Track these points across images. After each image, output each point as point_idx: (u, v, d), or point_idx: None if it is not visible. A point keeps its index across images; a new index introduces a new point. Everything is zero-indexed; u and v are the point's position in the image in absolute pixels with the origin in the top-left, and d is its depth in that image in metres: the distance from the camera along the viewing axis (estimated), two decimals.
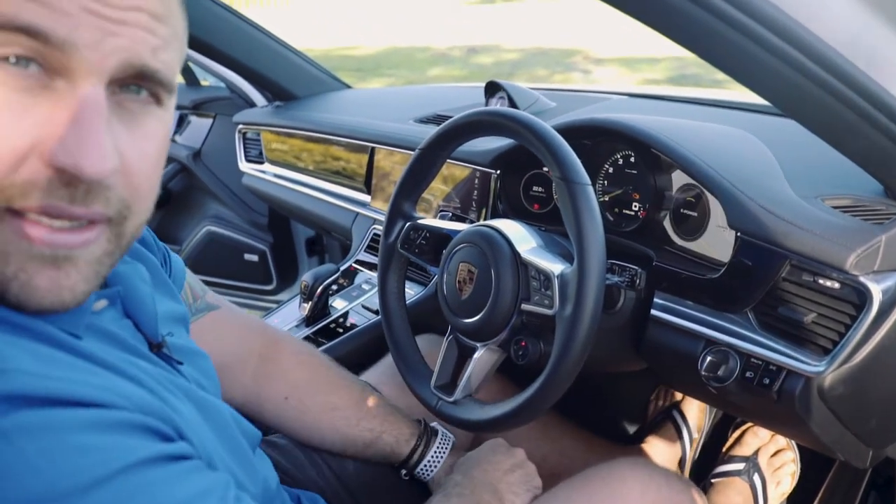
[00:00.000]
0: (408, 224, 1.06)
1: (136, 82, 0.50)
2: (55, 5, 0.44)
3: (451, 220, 1.10)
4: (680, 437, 1.42)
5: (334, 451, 1.00)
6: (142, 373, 0.55)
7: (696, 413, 1.46)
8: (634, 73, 7.54)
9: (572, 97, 1.57)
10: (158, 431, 0.50)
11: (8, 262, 0.46)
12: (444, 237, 1.02)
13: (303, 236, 2.23)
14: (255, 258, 2.18)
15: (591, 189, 0.83)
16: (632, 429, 1.51)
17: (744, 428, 1.37)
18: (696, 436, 1.44)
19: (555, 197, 1.20)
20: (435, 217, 1.33)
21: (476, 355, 0.95)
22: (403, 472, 1.00)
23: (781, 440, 1.32)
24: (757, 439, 1.33)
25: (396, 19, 11.21)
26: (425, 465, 0.99)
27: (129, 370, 0.54)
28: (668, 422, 1.45)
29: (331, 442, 0.99)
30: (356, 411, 0.99)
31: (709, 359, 0.91)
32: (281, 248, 2.19)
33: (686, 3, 0.61)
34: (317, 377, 1.02)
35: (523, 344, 0.92)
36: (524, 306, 0.90)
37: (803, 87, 0.65)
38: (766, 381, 0.86)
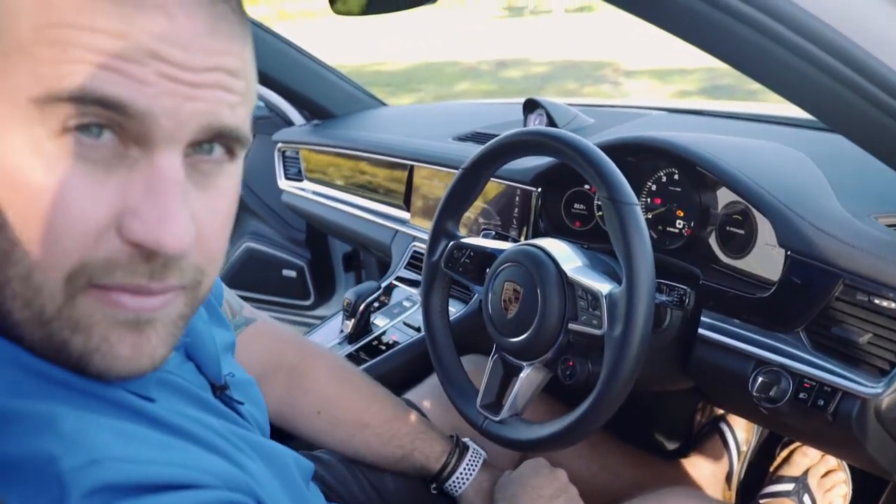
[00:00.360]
0: (451, 243, 1.06)
1: (211, 140, 0.47)
2: (133, 74, 0.42)
3: (494, 238, 1.11)
4: (727, 449, 1.40)
5: (365, 464, 1.01)
6: (215, 435, 0.54)
7: (744, 425, 1.43)
8: (666, 84, 7.50)
9: (610, 113, 1.57)
10: None
11: (91, 333, 0.45)
12: (488, 256, 1.03)
13: (340, 252, 2.25)
14: (293, 274, 2.21)
15: (639, 209, 0.83)
16: (677, 442, 1.49)
17: (792, 447, 1.34)
18: (743, 449, 1.42)
19: (597, 214, 1.20)
20: (476, 235, 1.34)
21: (522, 374, 0.95)
22: (433, 486, 1.00)
23: (832, 460, 1.29)
24: (806, 459, 1.31)
25: (425, 34, 11.29)
26: (455, 481, 0.99)
27: (206, 436, 0.52)
28: (714, 434, 1.43)
29: (362, 456, 1.00)
30: (388, 428, 0.99)
31: (760, 379, 0.90)
32: (318, 263, 2.22)
33: (719, 13, 0.61)
34: (350, 393, 1.02)
35: (570, 363, 0.92)
36: (571, 326, 0.89)
37: (849, 100, 0.64)
38: (821, 402, 0.85)
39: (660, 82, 7.59)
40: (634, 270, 0.80)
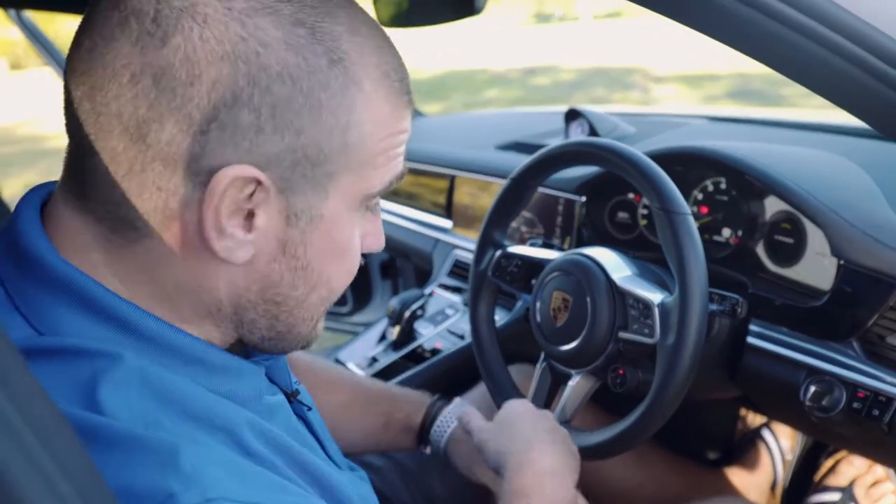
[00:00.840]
0: (499, 252, 1.08)
1: None
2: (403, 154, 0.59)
3: (541, 248, 1.12)
4: (771, 458, 1.39)
5: (359, 449, 0.99)
6: (305, 467, 0.58)
7: (787, 433, 1.43)
8: (695, 90, 7.45)
9: (649, 121, 1.58)
10: None
11: (317, 322, 0.61)
12: (535, 265, 1.04)
13: (377, 260, 2.27)
14: None
15: (691, 219, 0.83)
16: (720, 450, 1.49)
17: (838, 456, 1.33)
18: (788, 457, 1.41)
19: (640, 223, 1.20)
20: (517, 243, 1.35)
21: (571, 382, 0.96)
22: (422, 446, 0.98)
23: (880, 470, 1.28)
24: (853, 469, 1.30)
25: (453, 42, 11.34)
26: (435, 431, 0.96)
27: (295, 471, 0.57)
28: (758, 441, 1.43)
29: (352, 439, 0.97)
30: (365, 400, 1.00)
31: (813, 388, 0.90)
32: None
33: (767, 19, 0.62)
34: (320, 380, 1.00)
35: (621, 372, 0.92)
36: (621, 334, 0.90)
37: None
38: (876, 412, 0.85)
39: (689, 88, 7.55)
40: (688, 280, 0.81)
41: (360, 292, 2.27)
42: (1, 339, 0.31)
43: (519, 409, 0.89)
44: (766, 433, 1.42)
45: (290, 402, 0.65)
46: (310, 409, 0.68)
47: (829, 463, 1.35)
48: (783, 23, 0.64)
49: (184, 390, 0.52)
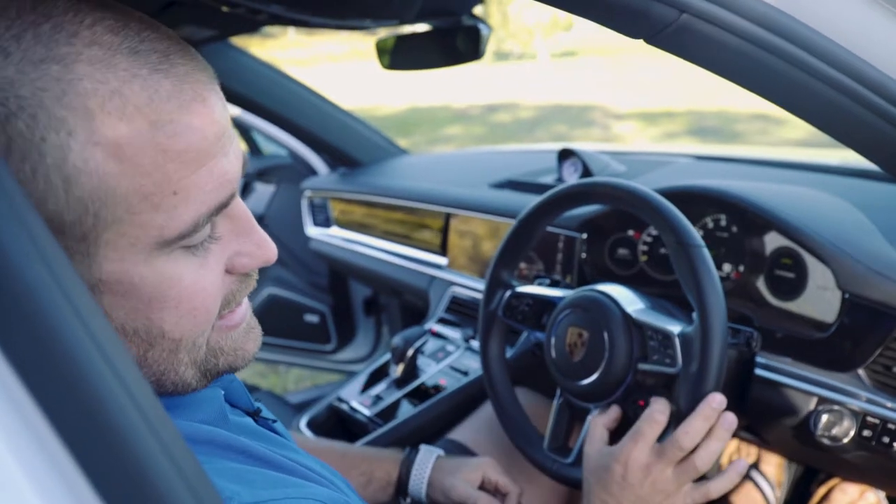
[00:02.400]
0: (509, 292, 1.09)
1: None
2: (227, 173, 0.51)
3: (548, 286, 1.14)
4: (763, 496, 1.42)
5: None
6: (296, 464, 0.60)
7: (774, 470, 1.46)
8: (653, 127, 7.67)
9: (638, 160, 1.63)
10: None
11: (227, 350, 0.57)
12: (547, 303, 1.06)
13: (360, 297, 2.27)
14: (315, 319, 2.23)
15: (707, 251, 0.87)
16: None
17: (830, 484, 1.37)
18: (778, 493, 1.44)
19: (640, 259, 1.24)
20: (521, 280, 1.37)
21: (590, 417, 0.98)
22: (407, 500, 1.02)
23: (871, 498, 1.32)
24: (845, 496, 1.33)
25: (413, 79, 11.48)
26: (413, 484, 1.01)
27: (294, 467, 0.59)
28: (746, 483, 1.46)
29: None
30: (343, 462, 1.01)
31: (824, 417, 0.93)
32: (340, 308, 2.24)
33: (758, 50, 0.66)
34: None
35: (641, 403, 0.95)
36: (641, 366, 0.92)
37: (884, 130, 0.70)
38: (886, 439, 0.88)
39: (647, 125, 7.77)
40: (708, 309, 0.84)
41: (343, 330, 2.27)
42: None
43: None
44: (754, 473, 1.46)
45: (255, 420, 0.67)
46: (274, 421, 0.70)
47: (821, 491, 1.38)
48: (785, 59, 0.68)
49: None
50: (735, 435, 1.17)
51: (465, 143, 7.55)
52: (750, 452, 1.51)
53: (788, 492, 1.48)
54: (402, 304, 2.09)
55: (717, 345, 0.83)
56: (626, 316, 0.94)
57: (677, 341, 0.87)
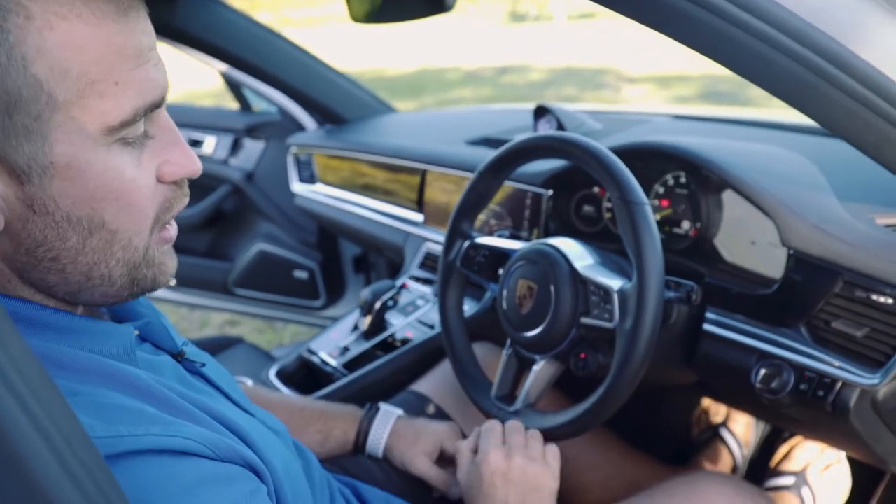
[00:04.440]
0: (467, 243, 1.11)
1: None
2: (158, 79, 0.57)
3: (507, 238, 1.15)
4: (731, 454, 1.45)
5: None
6: (192, 405, 0.62)
7: (743, 429, 1.48)
8: (666, 90, 7.55)
9: (615, 119, 1.62)
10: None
11: (156, 264, 0.62)
12: (502, 255, 1.07)
13: (350, 254, 2.29)
14: (304, 275, 2.25)
15: (649, 208, 0.87)
16: (678, 448, 1.53)
17: (792, 443, 1.39)
18: (745, 452, 1.47)
19: (605, 216, 1.24)
20: (487, 235, 1.38)
21: (536, 367, 1.00)
22: (359, 455, 1.05)
23: (831, 455, 1.34)
24: (807, 454, 1.35)
25: (427, 40, 11.36)
26: (372, 442, 1.04)
27: (185, 406, 0.61)
28: (715, 440, 1.48)
29: None
30: (301, 419, 1.03)
31: (762, 371, 0.95)
32: (329, 265, 2.26)
33: (712, 16, 0.66)
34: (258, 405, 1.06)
35: (582, 356, 0.97)
36: (583, 320, 0.94)
37: (845, 103, 0.69)
38: (820, 393, 0.90)
39: (660, 88, 7.65)
40: (645, 266, 0.85)
41: (332, 286, 2.29)
42: None
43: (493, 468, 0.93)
44: (722, 431, 1.48)
45: (178, 361, 0.69)
46: (203, 364, 0.73)
47: (784, 449, 1.40)
48: (738, 25, 0.68)
49: (52, 348, 0.57)
50: (692, 391, 1.19)
51: (474, 104, 7.50)
52: (719, 411, 1.53)
53: (756, 450, 1.50)
54: (388, 261, 2.11)
55: (651, 303, 0.84)
56: (573, 270, 0.96)
57: (616, 297, 0.89)
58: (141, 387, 0.58)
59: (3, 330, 0.34)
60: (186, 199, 0.64)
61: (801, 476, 1.34)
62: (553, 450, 0.93)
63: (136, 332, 0.67)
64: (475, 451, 0.96)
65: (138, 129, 0.56)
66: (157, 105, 0.57)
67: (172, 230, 0.64)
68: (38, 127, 0.52)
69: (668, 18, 0.69)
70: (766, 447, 1.48)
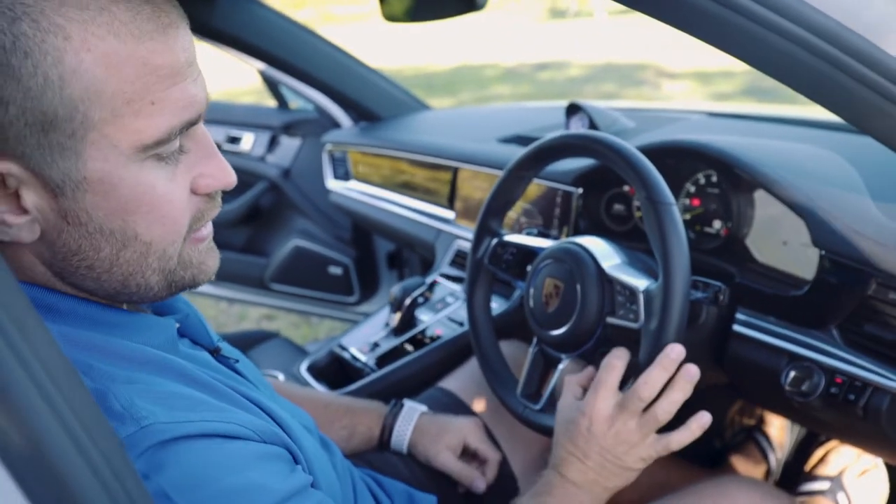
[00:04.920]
0: (495, 240, 1.11)
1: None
2: (196, 96, 0.57)
3: (536, 237, 1.15)
4: (765, 457, 1.42)
5: None
6: (235, 392, 0.65)
7: (777, 432, 1.46)
8: (707, 86, 7.41)
9: (650, 116, 1.61)
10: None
11: (194, 264, 0.64)
12: (529, 253, 1.08)
13: (384, 250, 2.31)
14: (338, 271, 2.28)
15: (675, 208, 0.87)
16: (710, 451, 1.51)
17: (828, 447, 1.36)
18: (779, 456, 1.44)
19: (636, 215, 1.23)
20: (518, 233, 1.38)
21: (561, 366, 1.00)
22: (384, 451, 1.06)
23: (868, 460, 1.31)
24: (843, 458, 1.33)
25: (467, 37, 11.34)
26: (396, 438, 1.05)
27: (229, 393, 0.64)
28: (749, 442, 1.46)
29: None
30: (326, 414, 1.05)
31: (792, 374, 0.93)
32: (363, 261, 2.28)
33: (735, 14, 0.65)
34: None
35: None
36: (609, 320, 0.94)
37: (874, 102, 0.68)
38: (852, 397, 0.88)
39: (701, 84, 7.51)
40: (670, 267, 0.84)
41: (366, 282, 2.31)
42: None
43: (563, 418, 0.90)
44: (757, 434, 1.45)
45: (214, 357, 0.72)
46: (237, 361, 0.75)
47: (819, 453, 1.38)
48: (763, 25, 0.67)
49: (107, 340, 0.59)
50: (723, 393, 1.17)
51: (512, 102, 7.47)
52: (753, 413, 1.51)
53: (790, 454, 1.48)
54: (421, 258, 2.12)
55: (676, 303, 0.84)
56: (599, 270, 0.95)
57: (641, 297, 0.88)
58: (189, 374, 0.61)
59: (28, 321, 0.36)
60: (218, 209, 0.65)
61: (836, 481, 1.31)
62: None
63: (177, 325, 0.69)
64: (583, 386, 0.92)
65: (173, 145, 0.58)
66: (192, 123, 0.58)
67: (206, 230, 0.65)
68: (73, 144, 0.53)
69: (694, 18, 0.68)
70: (802, 451, 1.45)
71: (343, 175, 2.01)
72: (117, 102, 0.53)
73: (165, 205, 0.58)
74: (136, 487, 0.38)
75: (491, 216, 1.12)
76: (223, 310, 3.08)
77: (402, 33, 11.75)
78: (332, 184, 2.03)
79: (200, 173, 0.61)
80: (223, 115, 2.34)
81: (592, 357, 0.98)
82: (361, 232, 2.25)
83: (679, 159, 1.12)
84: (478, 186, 1.54)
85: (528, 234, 1.18)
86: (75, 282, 0.60)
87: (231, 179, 0.62)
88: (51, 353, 0.36)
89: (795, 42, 0.67)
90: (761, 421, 1.48)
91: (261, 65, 2.02)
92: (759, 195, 1.06)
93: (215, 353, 0.73)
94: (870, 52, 0.66)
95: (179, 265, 0.62)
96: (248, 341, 1.63)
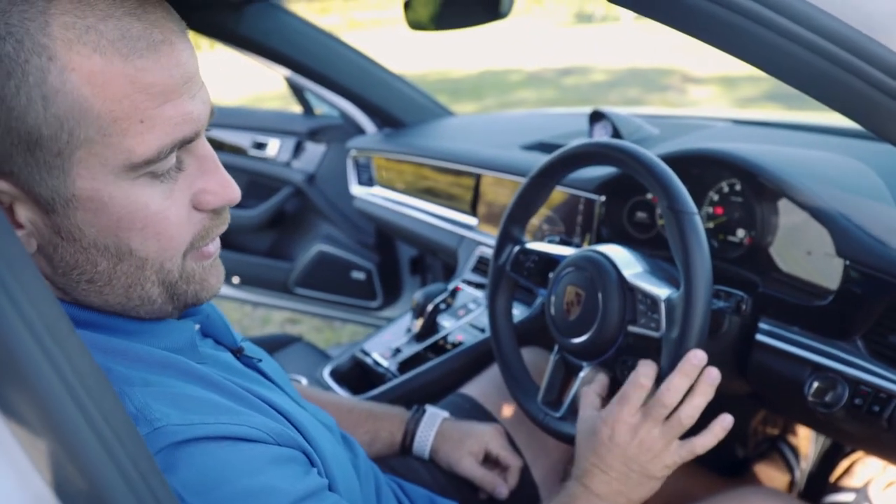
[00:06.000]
0: (517, 248, 1.12)
1: None
2: (191, 113, 0.56)
3: (558, 244, 1.16)
4: (789, 467, 1.41)
5: None
6: (254, 396, 0.66)
7: (802, 442, 1.44)
8: (731, 91, 7.35)
9: (675, 124, 1.60)
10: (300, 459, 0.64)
11: (196, 279, 0.63)
12: (551, 261, 1.08)
13: (407, 256, 2.33)
14: (362, 276, 2.30)
15: (698, 218, 0.87)
16: (734, 460, 1.50)
17: (854, 458, 1.35)
18: (803, 466, 1.43)
19: (658, 223, 1.23)
20: (540, 241, 1.39)
21: (582, 374, 1.00)
22: (406, 456, 1.07)
23: (895, 472, 1.29)
24: (868, 469, 1.31)
25: (492, 42, 11.35)
26: (418, 444, 1.06)
27: (247, 397, 0.65)
28: (773, 452, 1.44)
29: None
30: (349, 419, 1.05)
31: (816, 384, 0.93)
32: (386, 266, 2.30)
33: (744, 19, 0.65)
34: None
35: (630, 364, 0.96)
36: (630, 328, 0.94)
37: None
38: (876, 408, 0.87)
39: (725, 89, 7.45)
40: (692, 276, 0.84)
41: (389, 287, 2.33)
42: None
43: (586, 429, 0.90)
44: (781, 444, 1.44)
45: (237, 357, 0.72)
46: (260, 360, 0.75)
47: (845, 464, 1.36)
48: (777, 31, 0.67)
49: (127, 345, 0.60)
50: (741, 401, 1.16)
51: (536, 107, 7.45)
52: (777, 423, 1.49)
53: (815, 464, 1.46)
54: (444, 264, 2.13)
55: (698, 313, 0.84)
56: (621, 278, 0.95)
57: (663, 306, 0.88)
58: (206, 378, 0.62)
59: (63, 331, 0.37)
60: (225, 226, 0.65)
61: (862, 492, 1.30)
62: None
63: (197, 327, 0.70)
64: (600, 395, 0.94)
65: (168, 162, 0.57)
66: (188, 141, 0.57)
67: (213, 246, 0.64)
68: (60, 163, 0.53)
69: (705, 24, 0.68)
70: (827, 462, 1.44)
71: (367, 181, 2.03)
72: (104, 121, 0.52)
73: (161, 222, 0.58)
74: (162, 488, 0.40)
75: (513, 223, 1.12)
76: (247, 313, 3.12)
77: (427, 38, 11.79)
78: (357, 189, 2.05)
79: (202, 189, 0.60)
80: (249, 121, 2.37)
81: (613, 365, 0.98)
82: (385, 237, 2.27)
83: (703, 167, 1.12)
84: (500, 193, 1.55)
85: (550, 241, 1.19)
86: (79, 298, 0.60)
87: (234, 196, 0.61)
88: (83, 360, 0.38)
89: (812, 49, 0.67)
90: (785, 431, 1.46)
91: (287, 71, 2.05)
92: (783, 204, 1.05)
93: (238, 353, 0.74)
94: (883, 56, 0.66)
95: (182, 279, 0.62)
96: (271, 345, 1.65)
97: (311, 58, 1.85)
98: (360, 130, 2.14)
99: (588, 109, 1.56)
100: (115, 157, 0.54)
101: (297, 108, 2.43)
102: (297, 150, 2.31)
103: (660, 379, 0.86)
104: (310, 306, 2.45)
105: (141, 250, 0.58)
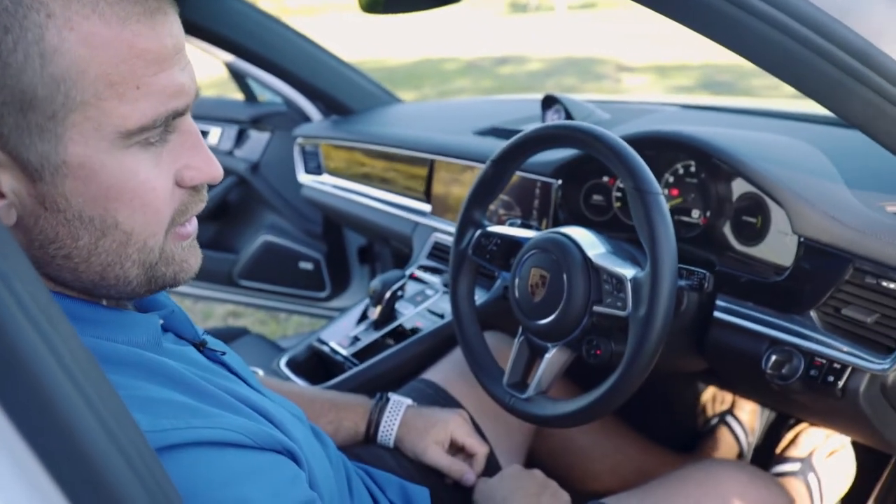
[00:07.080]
0: (479, 231, 1.12)
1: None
2: (184, 85, 0.56)
3: (519, 227, 1.16)
4: (737, 441, 1.46)
5: None
6: (224, 393, 0.63)
7: (748, 417, 1.50)
8: (665, 80, 7.55)
9: (623, 109, 1.63)
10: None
11: (176, 261, 0.62)
12: (514, 243, 1.08)
13: (355, 245, 2.30)
14: (309, 266, 2.26)
15: (662, 198, 0.88)
16: (685, 436, 1.55)
17: (798, 429, 1.40)
18: (751, 439, 1.48)
19: (614, 205, 1.25)
20: (496, 225, 1.39)
21: (548, 355, 1.01)
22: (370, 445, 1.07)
23: (836, 441, 1.35)
24: (812, 439, 1.37)
25: (427, 31, 11.32)
26: (383, 433, 1.05)
27: (220, 395, 0.62)
28: (721, 427, 1.49)
29: None
30: (311, 409, 1.04)
31: (773, 358, 0.96)
32: (334, 256, 2.27)
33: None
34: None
35: (595, 344, 0.97)
36: (596, 308, 0.95)
37: (858, 92, 0.70)
38: (830, 378, 0.91)
39: (659, 78, 7.64)
40: (659, 255, 0.86)
41: (337, 277, 2.30)
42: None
43: (513, 473, 0.98)
44: (729, 418, 1.49)
45: (200, 351, 0.70)
46: (223, 353, 0.74)
47: (789, 436, 1.42)
48: (754, 14, 0.69)
49: (94, 343, 0.57)
50: (699, 379, 1.20)
51: (474, 95, 7.48)
52: (725, 399, 1.55)
53: (761, 437, 1.52)
54: (394, 252, 2.12)
55: (665, 291, 0.85)
56: (585, 259, 0.96)
57: (629, 285, 0.90)
58: (175, 377, 0.59)
59: (62, 328, 0.35)
60: (203, 204, 0.63)
61: (806, 462, 1.35)
62: None
63: (161, 322, 0.68)
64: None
65: (158, 133, 0.56)
66: (180, 113, 0.57)
67: (191, 226, 0.64)
68: (53, 126, 0.51)
69: (703, 17, 0.70)
70: (772, 434, 1.50)
71: (315, 169, 1.99)
72: (101, 85, 0.51)
73: (148, 193, 0.57)
74: (164, 478, 0.38)
75: (474, 207, 1.12)
76: (188, 307, 3.03)
77: (361, 26, 11.67)
78: (304, 178, 2.01)
79: (186, 165, 0.59)
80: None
81: (579, 345, 0.99)
82: (332, 227, 2.24)
83: (658, 149, 1.14)
84: (455, 179, 1.54)
85: (512, 224, 1.19)
86: (51, 272, 0.58)
87: (217, 173, 0.61)
88: (75, 344, 0.36)
89: (796, 38, 0.69)
90: (733, 406, 1.52)
91: (228, 56, 1.99)
92: (737, 184, 1.08)
93: (201, 346, 0.72)
94: (867, 51, 0.68)
95: (161, 260, 0.61)
96: (220, 339, 1.61)
97: (256, 42, 1.81)
98: (304, 117, 2.10)
99: (538, 96, 1.57)
100: (109, 122, 0.53)
101: (237, 95, 2.37)
102: (240, 138, 2.25)
103: (626, 360, 0.88)
104: (256, 298, 2.40)
105: (126, 223, 0.56)
